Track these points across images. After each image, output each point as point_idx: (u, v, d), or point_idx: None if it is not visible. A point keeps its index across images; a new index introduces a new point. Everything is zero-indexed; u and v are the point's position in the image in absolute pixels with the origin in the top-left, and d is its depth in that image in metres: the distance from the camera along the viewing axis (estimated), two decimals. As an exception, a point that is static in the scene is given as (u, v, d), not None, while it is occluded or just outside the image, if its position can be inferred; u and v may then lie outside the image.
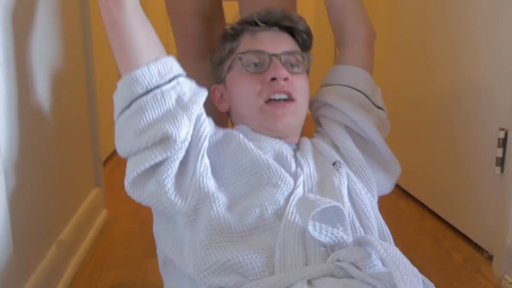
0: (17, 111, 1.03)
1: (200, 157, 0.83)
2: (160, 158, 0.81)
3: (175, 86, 0.86)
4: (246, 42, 0.98)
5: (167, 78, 0.86)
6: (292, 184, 0.84)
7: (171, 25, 1.35)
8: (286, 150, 0.91)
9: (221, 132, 0.92)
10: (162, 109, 0.83)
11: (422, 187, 1.82)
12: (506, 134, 1.30)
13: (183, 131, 0.82)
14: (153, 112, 0.83)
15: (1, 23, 0.97)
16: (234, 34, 1.01)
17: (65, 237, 1.28)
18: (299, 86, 0.95)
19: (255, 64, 0.96)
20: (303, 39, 1.04)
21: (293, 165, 0.89)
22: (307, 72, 1.02)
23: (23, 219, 1.04)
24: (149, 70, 0.84)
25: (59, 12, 1.33)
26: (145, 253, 1.45)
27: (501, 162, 1.32)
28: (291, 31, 1.02)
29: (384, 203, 1.87)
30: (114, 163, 2.45)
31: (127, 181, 0.83)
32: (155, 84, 0.84)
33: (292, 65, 0.97)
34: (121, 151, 0.87)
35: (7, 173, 0.96)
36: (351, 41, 1.08)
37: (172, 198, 0.81)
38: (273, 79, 0.92)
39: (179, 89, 0.86)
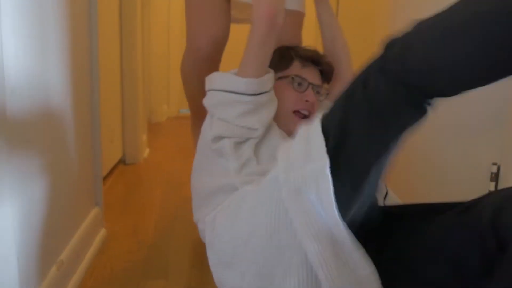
0: (26, 134, 1.06)
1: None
2: (243, 139, 1.21)
3: (270, 93, 1.26)
4: (297, 68, 1.41)
5: (269, 88, 1.25)
6: None
7: (187, 32, 1.67)
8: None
9: None
10: (261, 107, 1.23)
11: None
12: (498, 169, 1.34)
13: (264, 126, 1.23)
14: (255, 107, 1.22)
15: (13, 53, 1.00)
16: (290, 59, 1.42)
17: (65, 258, 1.30)
18: (316, 109, 1.38)
19: (298, 84, 1.37)
20: (327, 77, 1.49)
21: None
22: None
23: (26, 240, 1.06)
24: (266, 80, 1.24)
25: (68, 41, 1.36)
26: (143, 275, 1.48)
27: (493, 195, 1.36)
28: (321, 70, 1.46)
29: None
30: (112, 179, 2.47)
31: (212, 135, 1.22)
32: (264, 90, 1.23)
33: (318, 93, 1.42)
34: (215, 114, 1.24)
35: (14, 195, 0.99)
36: (337, 79, 1.52)
37: (233, 153, 1.19)
38: (307, 100, 1.35)
39: (271, 95, 1.26)
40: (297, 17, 1.67)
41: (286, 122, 1.33)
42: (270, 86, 1.26)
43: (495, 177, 1.35)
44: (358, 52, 3.65)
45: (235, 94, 1.21)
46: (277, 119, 1.30)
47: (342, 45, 1.57)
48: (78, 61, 1.48)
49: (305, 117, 1.36)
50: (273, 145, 1.23)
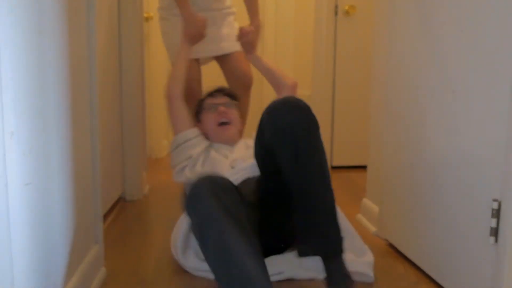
0: (27, 178, 1.06)
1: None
2: (192, 164, 2.13)
3: (196, 139, 2.19)
4: (209, 100, 2.25)
5: (192, 136, 2.18)
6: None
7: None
8: (226, 148, 2.14)
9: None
10: (190, 147, 2.16)
11: (419, 251, 1.84)
12: (499, 205, 1.34)
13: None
14: (188, 146, 2.16)
15: (12, 101, 1.01)
16: (201, 100, 2.31)
17: (64, 299, 1.29)
18: (232, 115, 2.20)
19: (210, 108, 2.20)
20: (232, 98, 2.31)
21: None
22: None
23: (25, 279, 1.06)
24: (186, 133, 2.19)
25: (67, 76, 1.38)
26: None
27: (495, 232, 1.35)
28: (227, 94, 2.30)
29: (380, 266, 1.87)
30: (113, 217, 2.46)
31: (176, 171, 2.21)
32: (188, 138, 2.17)
33: (227, 105, 2.22)
34: (173, 162, 2.21)
35: (14, 236, 0.99)
36: (279, 89, 2.35)
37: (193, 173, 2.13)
38: (218, 114, 2.18)
39: (196, 140, 2.18)
40: (235, 56, 2.66)
41: (217, 134, 2.16)
42: (193, 135, 2.15)
43: (496, 213, 1.35)
44: (354, 84, 3.68)
45: (176, 148, 2.16)
46: (210, 135, 2.18)
47: (274, 76, 2.39)
48: (77, 96, 1.50)
49: (227, 123, 2.15)
50: (213, 160, 2.03)
